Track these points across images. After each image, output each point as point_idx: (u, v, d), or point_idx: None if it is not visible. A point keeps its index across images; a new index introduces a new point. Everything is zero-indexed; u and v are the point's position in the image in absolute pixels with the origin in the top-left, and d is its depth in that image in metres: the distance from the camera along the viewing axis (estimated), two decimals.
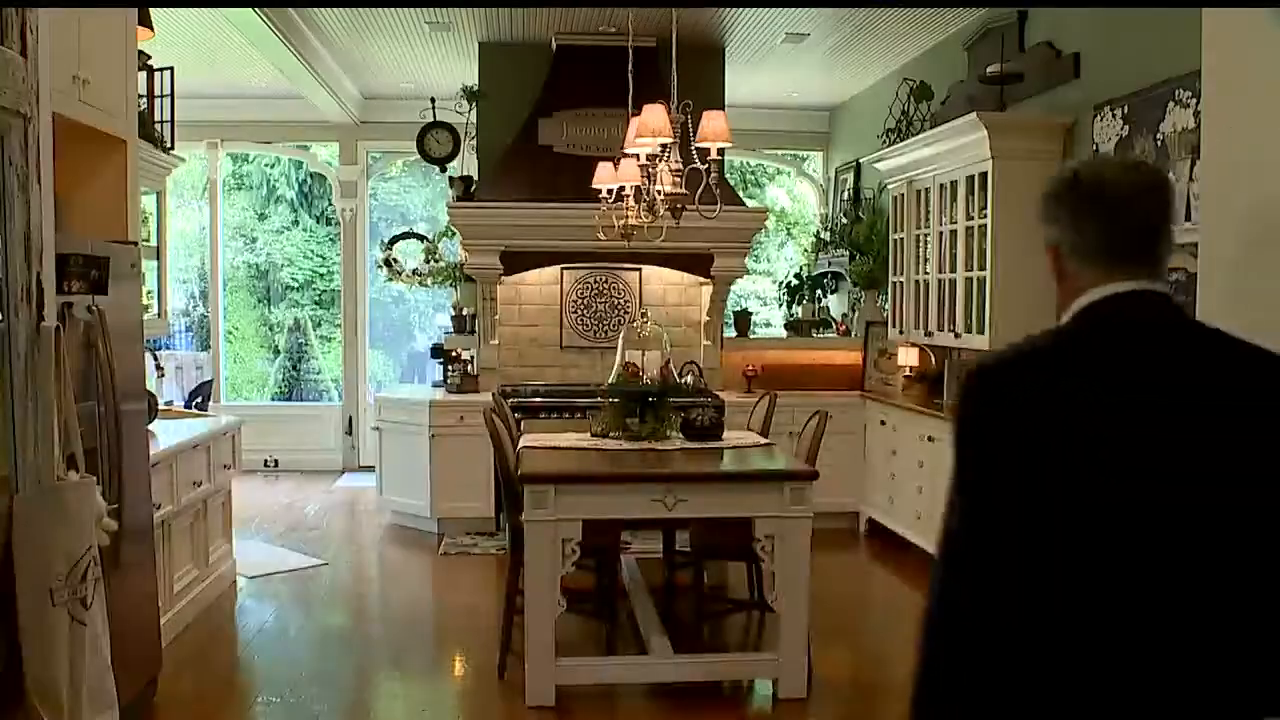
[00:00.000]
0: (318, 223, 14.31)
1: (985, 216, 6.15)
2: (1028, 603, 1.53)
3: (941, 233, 6.84)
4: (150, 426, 5.04)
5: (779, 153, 11.11)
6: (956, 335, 6.58)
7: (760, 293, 13.55)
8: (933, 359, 7.62)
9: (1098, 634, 1.50)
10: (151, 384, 5.67)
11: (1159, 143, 5.10)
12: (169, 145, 6.48)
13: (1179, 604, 1.49)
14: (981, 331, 6.23)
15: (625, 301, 8.24)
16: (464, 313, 8.27)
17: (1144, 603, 1.49)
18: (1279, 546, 1.50)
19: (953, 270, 6.65)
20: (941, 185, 6.80)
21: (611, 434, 5.24)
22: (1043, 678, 1.52)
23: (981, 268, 6.24)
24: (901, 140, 7.47)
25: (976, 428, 1.63)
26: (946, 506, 1.69)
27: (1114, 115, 5.49)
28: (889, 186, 7.79)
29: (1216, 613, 1.49)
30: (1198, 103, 4.76)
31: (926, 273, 7.13)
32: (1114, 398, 1.53)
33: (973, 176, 6.32)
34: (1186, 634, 1.49)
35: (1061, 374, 1.56)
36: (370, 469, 8.87)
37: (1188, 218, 4.85)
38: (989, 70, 6.33)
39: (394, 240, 9.11)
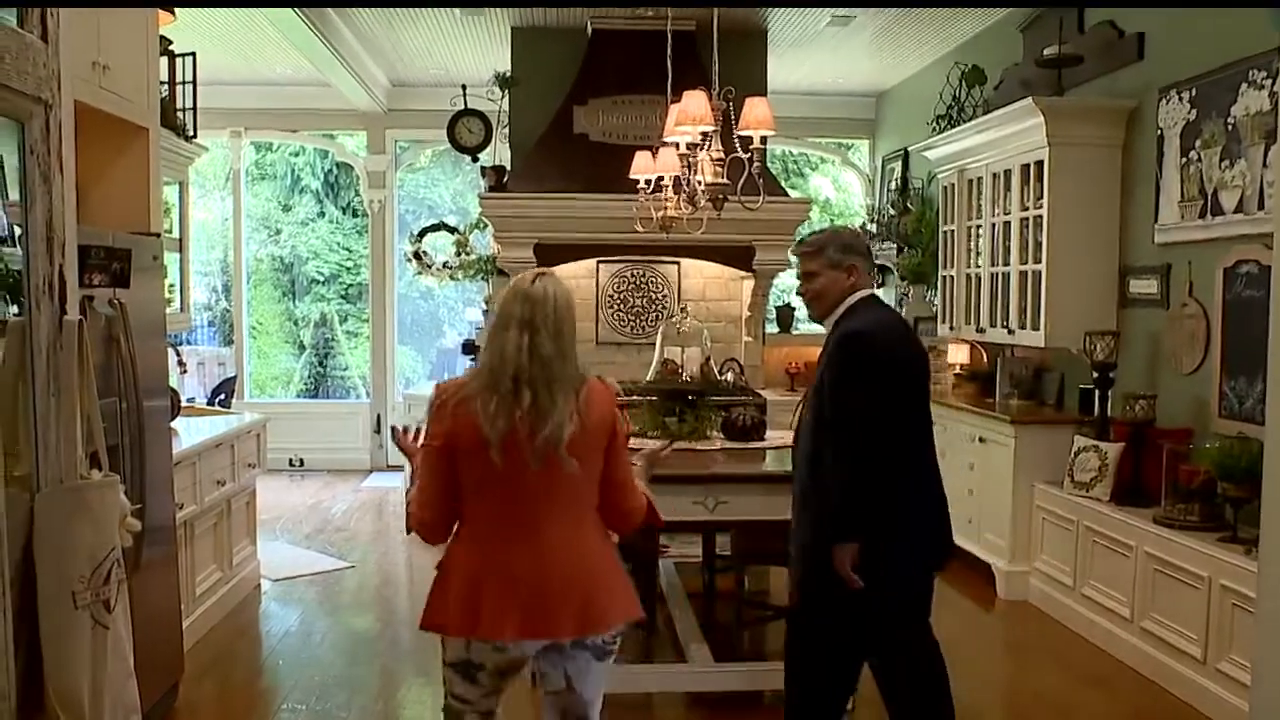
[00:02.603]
0: (344, 214, 14.37)
1: (1041, 207, 6.08)
2: (891, 434, 3.29)
3: (994, 224, 6.76)
4: (172, 424, 5.08)
5: (823, 141, 11.04)
6: (1010, 331, 6.51)
7: None
8: (984, 356, 7.55)
9: (918, 442, 3.41)
10: (174, 380, 5.71)
11: (1229, 127, 5.01)
12: (191, 134, 6.52)
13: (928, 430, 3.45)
14: (1036, 327, 6.16)
15: (663, 296, 8.22)
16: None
17: (920, 431, 3.41)
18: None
19: (1006, 263, 6.58)
20: (994, 174, 6.73)
21: (649, 433, 5.20)
22: (900, 466, 3.32)
23: (1036, 260, 6.17)
24: (952, 127, 7.39)
25: (871, 357, 3.29)
26: (850, 405, 3.29)
27: (1180, 99, 5.40)
28: (939, 176, 7.72)
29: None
30: (1274, 84, 4.68)
31: (978, 266, 7.06)
32: (901, 342, 3.43)
33: (1028, 165, 6.24)
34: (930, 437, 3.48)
35: (888, 332, 3.41)
36: (398, 468, 8.91)
37: (1260, 206, 4.77)
38: (1046, 53, 6.25)
39: (423, 232, 9.12)
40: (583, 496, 2.82)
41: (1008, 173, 6.53)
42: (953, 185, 7.41)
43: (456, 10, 7.59)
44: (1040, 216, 6.10)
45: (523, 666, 2.94)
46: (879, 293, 3.72)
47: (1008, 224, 6.55)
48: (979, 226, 7.06)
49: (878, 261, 9.31)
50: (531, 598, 2.74)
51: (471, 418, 2.68)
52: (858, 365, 3.28)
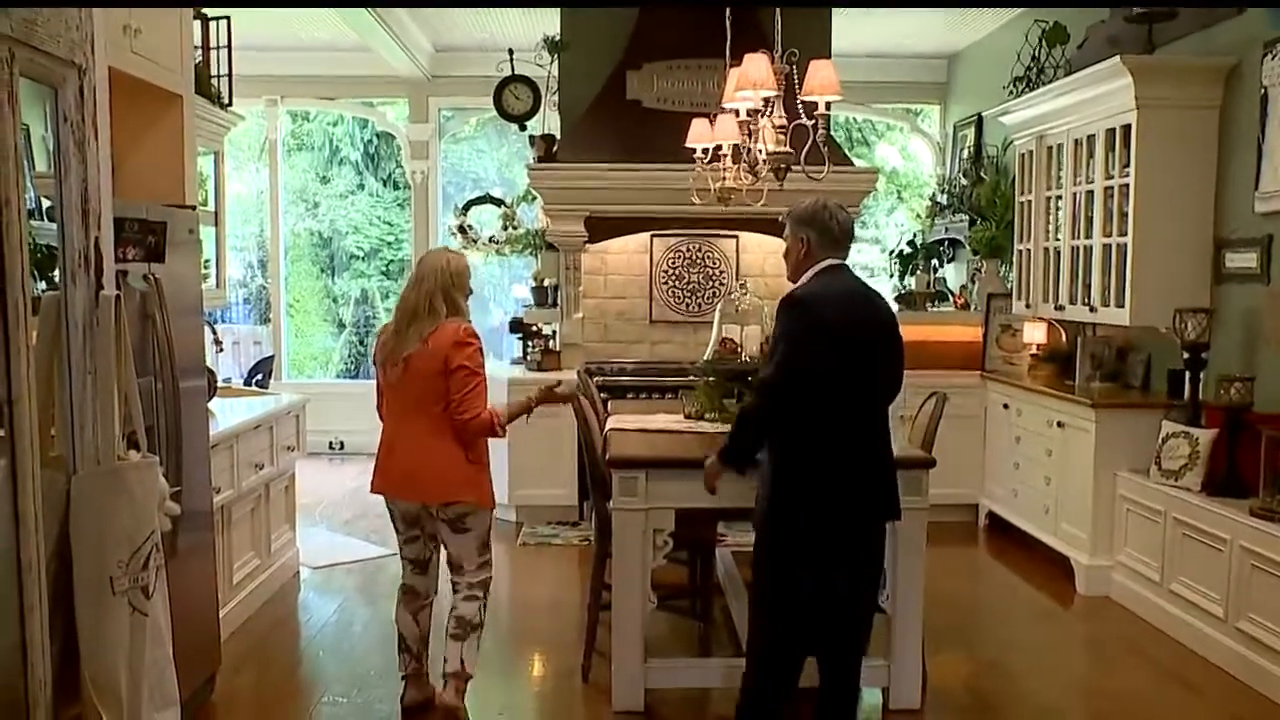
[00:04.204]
0: (385, 186, 14.43)
1: (1127, 175, 5.98)
2: (806, 400, 3.60)
3: (1075, 194, 6.66)
4: (209, 405, 5.13)
5: (890, 107, 10.93)
6: (1092, 309, 6.41)
7: (867, 262, 13.38)
8: (1063, 336, 7.45)
9: (829, 406, 3.61)
10: (210, 359, 5.77)
11: None
12: (227, 102, 6.57)
13: (865, 394, 3.69)
14: (1121, 304, 6.06)
15: (721, 272, 8.18)
16: (545, 284, 8.28)
17: (849, 394, 3.64)
18: (890, 384, 3.80)
19: (1088, 236, 6.48)
20: (1076, 140, 6.62)
21: (707, 416, 5.20)
22: (806, 439, 3.64)
23: (1121, 233, 6.07)
24: (1031, 90, 7.28)
25: (800, 322, 3.61)
26: (773, 358, 3.67)
27: None
28: (1015, 143, 7.61)
29: (872, 411, 3.73)
30: None
31: (1057, 239, 6.96)
32: (841, 309, 3.64)
33: (1113, 130, 6.14)
34: (869, 402, 3.72)
35: (826, 298, 3.67)
36: None
37: None
38: (1135, 8, 6.12)
39: (469, 205, 9.15)
40: (432, 402, 4.17)
41: (1091, 138, 6.42)
42: (1030, 152, 7.30)
43: None
44: (1126, 185, 6.00)
45: (420, 521, 4.35)
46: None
47: (1090, 193, 6.44)
48: (1058, 197, 6.95)
49: (948, 235, 9.25)
50: (386, 465, 4.30)
51: (380, 345, 4.35)
52: (787, 325, 3.69)
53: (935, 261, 9.37)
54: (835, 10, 8.11)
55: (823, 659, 3.85)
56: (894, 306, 8.73)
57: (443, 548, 4.43)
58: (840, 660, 3.83)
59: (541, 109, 8.59)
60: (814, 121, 4.59)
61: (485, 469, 4.36)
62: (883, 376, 3.77)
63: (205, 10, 6.33)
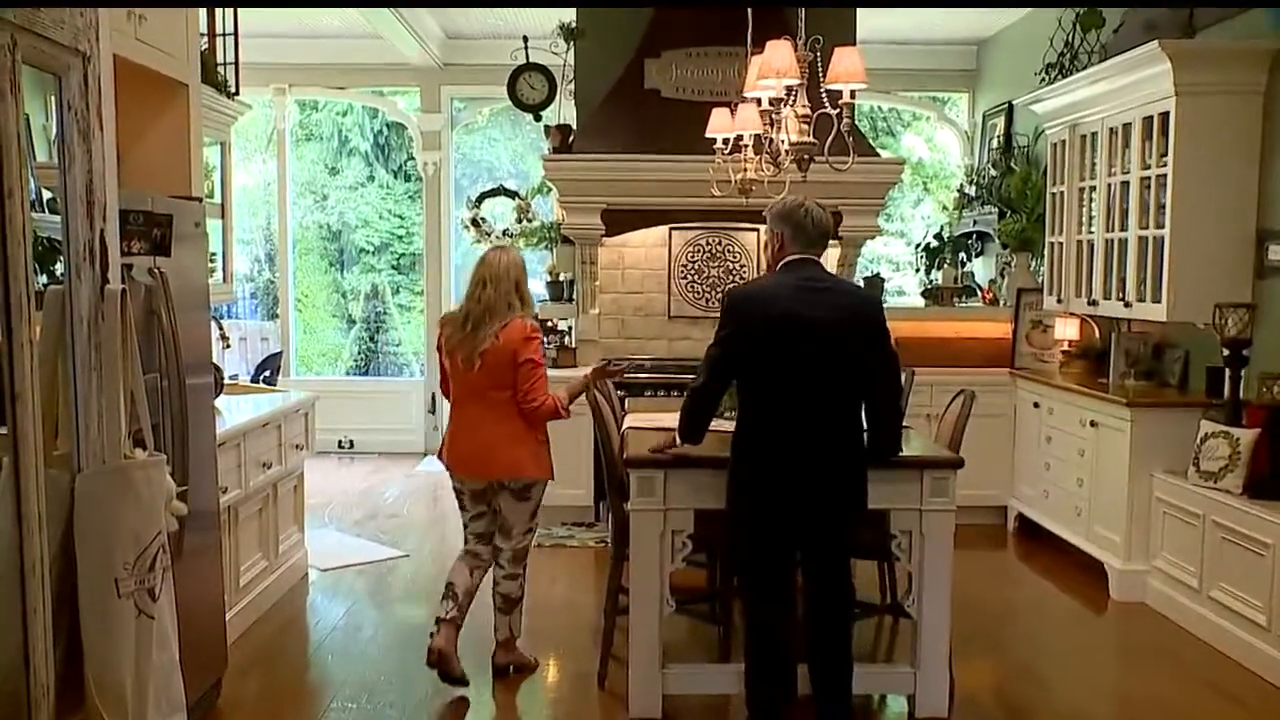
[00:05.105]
0: (395, 178, 14.45)
1: (1165, 165, 5.95)
2: (745, 383, 4.16)
3: (1110, 185, 6.63)
4: (215, 403, 5.15)
5: (917, 95, 10.88)
6: (1126, 304, 6.38)
7: (892, 256, 13.35)
8: (1096, 332, 7.42)
9: (766, 400, 4.11)
10: (216, 355, 5.79)
11: None
12: (233, 90, 6.58)
13: (817, 379, 4.04)
14: (1158, 299, 6.03)
15: (741, 266, 8.17)
16: (560, 278, 8.28)
17: (794, 378, 4.04)
18: (850, 382, 4.07)
19: (1123, 229, 6.45)
20: (1111, 129, 6.59)
21: (726, 414, 5.17)
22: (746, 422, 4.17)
23: (1158, 225, 6.04)
24: (1064, 77, 7.24)
25: (734, 316, 4.09)
26: (709, 349, 4.18)
27: None
28: (1047, 132, 7.58)
29: (822, 398, 4.05)
30: None
31: (1091, 231, 6.92)
32: (788, 303, 4.02)
33: (1150, 118, 6.10)
34: (808, 404, 4.05)
35: (769, 292, 4.12)
36: None
37: None
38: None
39: (482, 197, 9.15)
40: (499, 390, 4.74)
41: (1127, 127, 6.39)
42: (1063, 142, 7.27)
43: None
44: (1164, 175, 5.96)
45: (486, 496, 4.90)
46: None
47: (1125, 184, 6.41)
48: (1092, 188, 6.92)
49: (976, 228, 9.23)
50: (456, 446, 4.88)
51: (446, 336, 4.88)
52: (721, 320, 4.18)
53: (963, 255, 9.34)
54: None
55: (812, 667, 4.21)
56: (919, 301, 8.87)
57: (498, 515, 4.97)
58: (827, 664, 4.20)
59: (557, 98, 8.58)
60: (838, 110, 4.57)
61: (547, 444, 4.96)
62: (865, 364, 4.09)
63: None
